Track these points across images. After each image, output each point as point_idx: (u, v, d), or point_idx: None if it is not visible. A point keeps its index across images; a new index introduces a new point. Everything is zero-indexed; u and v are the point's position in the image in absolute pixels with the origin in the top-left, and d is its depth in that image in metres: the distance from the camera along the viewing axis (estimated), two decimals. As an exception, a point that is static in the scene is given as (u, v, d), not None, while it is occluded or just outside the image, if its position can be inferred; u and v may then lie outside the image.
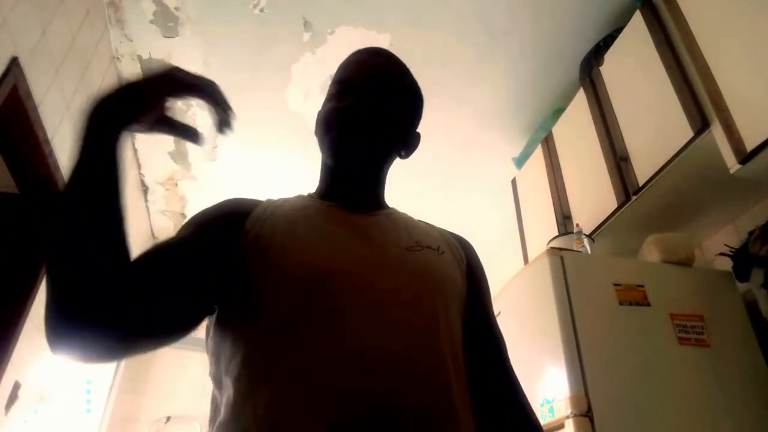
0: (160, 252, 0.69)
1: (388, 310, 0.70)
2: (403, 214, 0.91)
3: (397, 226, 0.84)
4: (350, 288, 0.70)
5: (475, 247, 0.95)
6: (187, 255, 0.69)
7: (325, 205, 0.84)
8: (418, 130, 0.94)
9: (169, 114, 0.68)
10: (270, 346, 0.66)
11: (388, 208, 0.90)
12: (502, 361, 0.86)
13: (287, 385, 0.63)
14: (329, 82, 0.92)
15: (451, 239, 0.90)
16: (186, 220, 0.78)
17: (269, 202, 0.82)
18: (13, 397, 2.16)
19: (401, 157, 0.92)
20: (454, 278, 0.82)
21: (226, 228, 0.74)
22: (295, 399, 0.62)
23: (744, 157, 1.46)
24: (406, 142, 0.91)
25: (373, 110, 0.82)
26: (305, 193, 0.90)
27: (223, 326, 0.72)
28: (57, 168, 2.13)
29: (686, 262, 1.77)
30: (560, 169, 2.38)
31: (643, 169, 1.84)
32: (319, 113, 0.88)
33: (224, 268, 0.71)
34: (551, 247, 1.76)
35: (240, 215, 0.77)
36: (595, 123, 2.14)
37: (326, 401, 0.62)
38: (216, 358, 0.72)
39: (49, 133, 2.02)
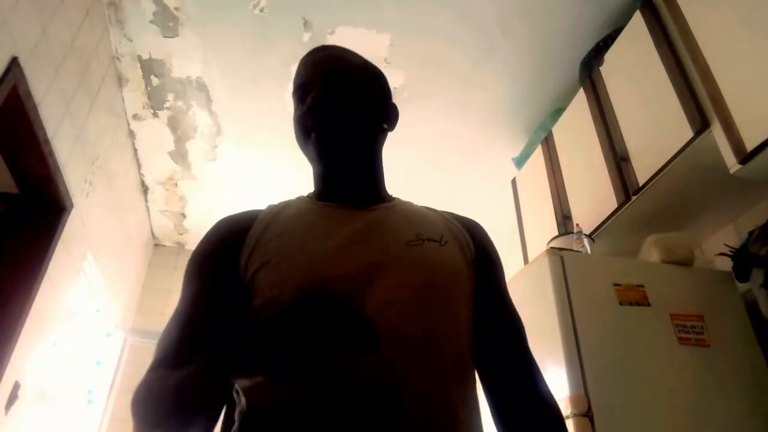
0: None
1: (387, 310, 0.69)
2: (407, 203, 0.90)
3: (397, 220, 0.82)
4: (349, 292, 0.69)
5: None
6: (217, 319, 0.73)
7: (324, 206, 0.83)
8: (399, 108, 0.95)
9: None
10: None
11: (391, 199, 0.89)
12: (519, 345, 0.83)
13: (292, 389, 0.64)
14: None
15: (455, 225, 0.88)
16: (188, 262, 0.81)
17: (267, 211, 0.83)
18: (13, 397, 2.16)
19: (386, 130, 0.91)
20: (457, 268, 0.80)
21: (228, 257, 0.77)
22: (301, 400, 0.63)
23: (744, 157, 1.46)
24: (384, 114, 0.91)
25: (337, 93, 0.83)
26: (305, 194, 0.90)
27: None
28: (57, 168, 2.13)
29: (686, 262, 1.77)
30: (560, 169, 2.38)
31: (643, 169, 1.84)
32: (294, 123, 0.88)
33: (238, 295, 0.74)
34: (551, 247, 1.76)
35: (237, 236, 0.78)
36: (595, 123, 2.14)
37: (330, 402, 0.63)
38: None
39: (49, 133, 2.02)
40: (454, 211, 0.95)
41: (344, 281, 0.70)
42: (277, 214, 0.81)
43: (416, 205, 0.91)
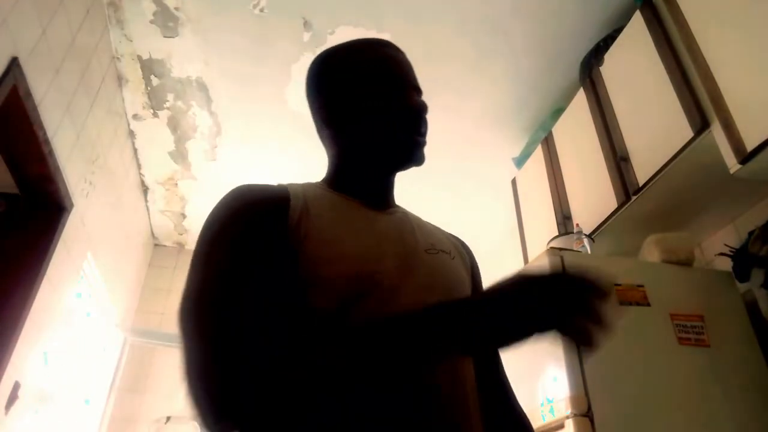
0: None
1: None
2: (413, 214, 0.91)
3: (412, 227, 0.84)
4: (384, 289, 0.70)
5: (475, 247, 0.96)
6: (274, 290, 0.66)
7: (344, 199, 0.81)
8: None
9: None
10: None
11: (397, 206, 0.89)
12: (497, 367, 0.88)
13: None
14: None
15: (457, 243, 0.91)
16: (215, 223, 0.71)
17: (293, 188, 0.78)
18: (13, 397, 2.16)
19: None
20: (465, 283, 0.83)
21: (275, 221, 0.70)
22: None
23: (744, 157, 1.46)
24: None
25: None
26: (314, 182, 0.86)
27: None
28: (57, 168, 2.13)
29: (686, 262, 1.77)
30: (560, 169, 2.38)
31: (643, 169, 1.84)
32: (376, 98, 0.81)
33: (287, 268, 0.68)
34: (551, 247, 1.76)
35: (280, 203, 0.73)
36: (595, 123, 2.14)
37: (360, 399, 0.63)
38: None
39: (49, 133, 2.02)
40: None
41: (387, 275, 0.71)
42: (304, 192, 0.78)
43: (420, 218, 0.92)
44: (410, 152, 0.81)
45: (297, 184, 0.81)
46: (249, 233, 0.68)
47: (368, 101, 0.81)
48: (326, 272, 0.68)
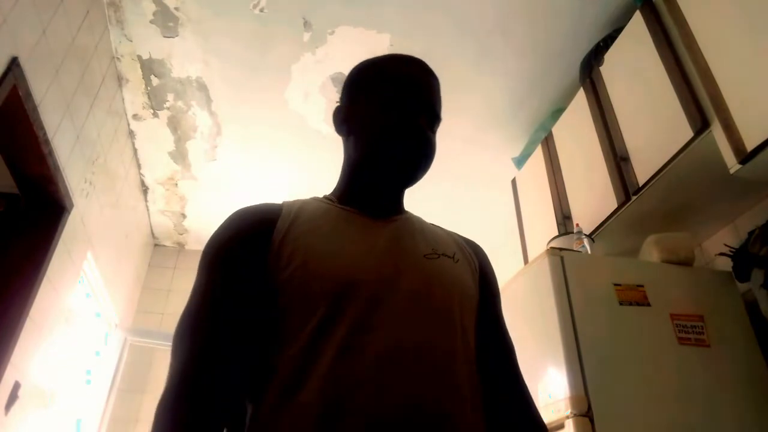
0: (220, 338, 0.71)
1: (407, 320, 0.70)
2: (418, 218, 0.91)
3: (414, 233, 0.84)
4: (372, 299, 0.70)
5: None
6: (236, 316, 0.72)
7: (345, 211, 0.83)
8: None
9: None
10: (300, 360, 0.67)
11: (405, 212, 0.90)
12: (512, 367, 0.87)
13: (319, 398, 0.64)
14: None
15: (464, 245, 0.90)
16: (207, 251, 0.78)
17: (289, 206, 0.82)
18: (13, 397, 2.16)
19: None
20: (468, 287, 0.82)
21: (256, 247, 0.75)
22: (327, 410, 0.63)
23: (744, 157, 1.46)
24: None
25: (434, 136, 0.87)
26: (320, 196, 0.90)
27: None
28: (57, 168, 2.13)
29: (686, 262, 1.77)
30: (560, 169, 2.38)
31: (643, 169, 1.84)
32: (375, 112, 0.83)
33: (259, 295, 0.72)
34: (551, 247, 1.76)
35: (265, 227, 0.77)
36: (595, 123, 2.14)
37: (356, 407, 0.63)
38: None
39: (49, 133, 2.02)
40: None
41: (370, 287, 0.71)
42: (299, 210, 0.80)
43: (426, 221, 0.92)
44: (392, 171, 0.83)
45: (297, 200, 0.84)
46: (229, 262, 0.74)
47: (367, 115, 0.84)
48: (309, 286, 0.70)
